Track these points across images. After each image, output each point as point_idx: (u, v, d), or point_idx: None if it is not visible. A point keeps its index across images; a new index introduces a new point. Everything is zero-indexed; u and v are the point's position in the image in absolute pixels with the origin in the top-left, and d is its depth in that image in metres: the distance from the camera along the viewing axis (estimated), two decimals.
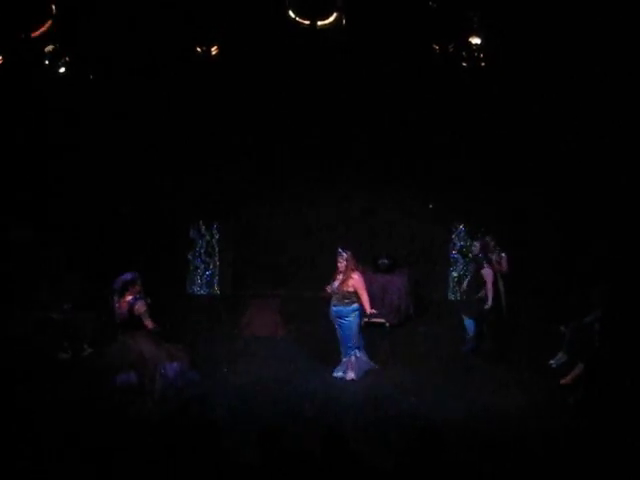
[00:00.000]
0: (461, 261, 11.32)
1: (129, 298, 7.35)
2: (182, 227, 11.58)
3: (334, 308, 8.18)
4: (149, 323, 7.35)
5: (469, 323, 9.09)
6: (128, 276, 7.43)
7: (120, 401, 7.07)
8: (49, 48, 7.87)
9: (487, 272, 8.80)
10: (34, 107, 9.39)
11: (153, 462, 4.23)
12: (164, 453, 4.34)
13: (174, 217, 11.36)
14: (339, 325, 8.20)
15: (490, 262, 8.90)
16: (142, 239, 11.05)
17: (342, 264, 8.06)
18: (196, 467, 4.32)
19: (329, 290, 8.19)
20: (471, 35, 8.05)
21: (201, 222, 11.64)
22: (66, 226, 10.13)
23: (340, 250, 8.10)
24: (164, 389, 7.31)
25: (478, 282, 8.89)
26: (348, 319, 8.10)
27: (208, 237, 11.72)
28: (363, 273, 8.31)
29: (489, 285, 8.74)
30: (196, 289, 11.74)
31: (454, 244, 11.35)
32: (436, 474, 4.50)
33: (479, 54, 8.26)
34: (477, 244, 9.23)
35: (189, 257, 11.70)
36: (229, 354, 8.85)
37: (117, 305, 7.40)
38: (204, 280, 11.73)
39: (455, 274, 11.36)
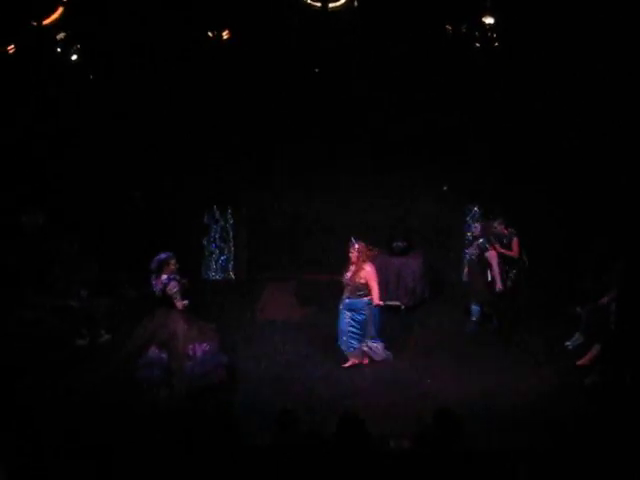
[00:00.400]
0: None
1: (163, 277, 7.48)
2: (196, 213, 11.59)
3: (347, 301, 8.10)
4: (179, 304, 7.46)
5: (475, 308, 9.12)
6: (162, 256, 7.58)
7: (143, 383, 7.16)
8: (61, 36, 7.87)
9: (491, 255, 8.73)
10: (46, 94, 9.39)
11: (168, 447, 4.26)
12: (180, 438, 4.38)
13: (188, 203, 11.38)
14: (353, 318, 8.07)
15: (492, 244, 8.84)
16: (156, 225, 11.08)
17: (354, 255, 8.01)
18: (212, 450, 4.35)
19: (344, 281, 8.15)
20: (484, 15, 7.97)
21: (215, 207, 11.65)
22: (80, 212, 10.17)
23: (352, 240, 8.05)
24: (192, 369, 7.37)
25: (482, 265, 8.83)
26: (362, 312, 8.02)
27: (222, 222, 11.73)
28: (376, 257, 8.25)
29: (495, 267, 8.69)
30: (211, 274, 11.76)
31: (469, 226, 11.29)
32: (452, 456, 4.51)
33: (492, 34, 8.17)
34: (477, 225, 9.19)
35: (204, 243, 11.72)
36: (244, 338, 8.86)
37: (154, 283, 7.54)
38: (219, 265, 11.75)
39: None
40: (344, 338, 8.15)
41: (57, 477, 4.07)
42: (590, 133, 9.61)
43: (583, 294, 8.84)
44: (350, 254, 8.03)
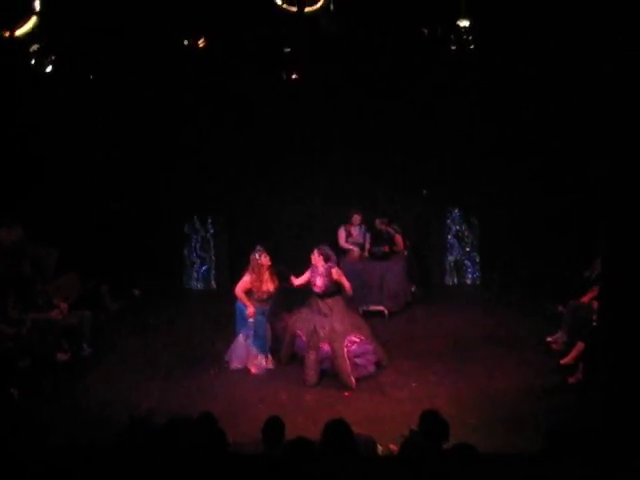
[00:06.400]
0: (457, 245, 11.33)
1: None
2: (176, 223, 11.54)
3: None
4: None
5: None
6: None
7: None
8: (34, 47, 7.77)
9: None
10: (22, 106, 9.30)
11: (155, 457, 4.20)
12: (167, 448, 4.32)
13: (168, 213, 11.32)
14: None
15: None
16: (137, 236, 11.01)
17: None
18: (201, 462, 4.30)
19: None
20: (459, 18, 8.00)
21: (195, 217, 11.61)
22: (59, 225, 10.06)
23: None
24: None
25: None
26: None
27: (202, 232, 11.70)
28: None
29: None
30: (193, 284, 11.72)
31: (450, 228, 11.35)
32: (439, 458, 4.49)
33: (467, 37, 8.21)
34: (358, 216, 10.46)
35: (185, 252, 11.67)
36: (227, 349, 8.78)
37: None
38: (200, 275, 11.71)
39: (451, 258, 11.37)
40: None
41: None
42: (569, 134, 9.69)
43: (565, 292, 8.90)
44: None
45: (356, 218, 10.37)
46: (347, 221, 10.39)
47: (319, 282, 8.02)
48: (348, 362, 7.72)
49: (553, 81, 9.31)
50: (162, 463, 4.15)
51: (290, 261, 10.69)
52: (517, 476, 4.19)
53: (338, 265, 8.36)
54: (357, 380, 7.76)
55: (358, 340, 7.94)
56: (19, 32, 6.33)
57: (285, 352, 8.34)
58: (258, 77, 9.92)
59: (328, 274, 7.99)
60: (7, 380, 7.49)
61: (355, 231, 10.40)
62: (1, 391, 7.35)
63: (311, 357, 7.84)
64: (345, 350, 7.76)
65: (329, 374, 7.85)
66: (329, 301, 8.02)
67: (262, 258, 8.16)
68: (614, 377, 6.64)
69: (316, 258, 8.06)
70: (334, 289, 8.03)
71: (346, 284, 8.01)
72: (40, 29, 6.89)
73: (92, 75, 9.13)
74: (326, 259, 8.05)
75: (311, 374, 7.80)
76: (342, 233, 10.39)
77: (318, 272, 8.04)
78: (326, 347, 7.84)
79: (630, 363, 6.54)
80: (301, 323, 8.16)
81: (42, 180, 10.10)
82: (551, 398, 7.18)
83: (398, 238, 10.40)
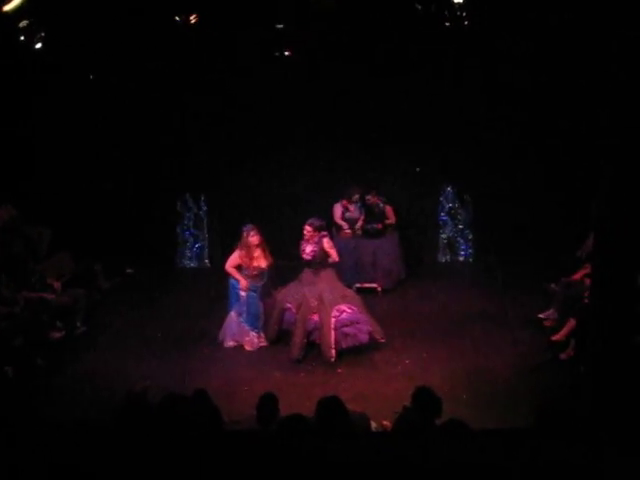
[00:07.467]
0: (450, 223, 11.33)
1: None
2: (169, 201, 11.49)
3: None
4: None
5: None
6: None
7: None
8: (23, 23, 7.69)
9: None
10: (12, 84, 9.20)
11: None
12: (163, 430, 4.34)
13: (160, 191, 11.27)
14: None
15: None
16: (130, 215, 10.96)
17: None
18: (196, 439, 4.33)
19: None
20: None
21: (188, 195, 11.57)
22: (52, 204, 10.02)
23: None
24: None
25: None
26: None
27: (195, 210, 11.67)
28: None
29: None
30: (186, 262, 11.71)
31: (443, 206, 11.35)
32: (431, 434, 4.54)
33: (462, 13, 8.17)
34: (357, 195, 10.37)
35: (178, 230, 11.64)
36: (221, 324, 8.80)
37: None
38: (194, 253, 11.70)
39: (444, 236, 11.38)
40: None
41: None
42: (563, 110, 9.67)
43: (557, 270, 8.95)
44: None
45: (356, 195, 10.33)
46: (345, 197, 10.33)
47: (308, 249, 8.07)
48: (333, 333, 7.76)
49: (547, 57, 9.27)
50: (157, 440, 4.17)
51: (282, 238, 10.80)
52: (508, 452, 4.24)
53: (331, 238, 8.39)
54: (348, 352, 7.82)
55: (349, 310, 7.96)
56: (7, 7, 6.25)
57: (272, 328, 8.30)
58: (251, 55, 9.82)
59: (319, 242, 8.04)
60: (1, 358, 7.51)
61: (352, 207, 10.36)
62: None
63: (298, 331, 7.88)
64: (333, 320, 7.79)
65: (321, 351, 7.87)
66: (317, 271, 8.07)
67: (250, 237, 8.15)
68: (604, 354, 6.70)
69: (309, 231, 8.08)
70: (323, 259, 8.07)
71: (333, 254, 8.06)
72: (29, 5, 6.83)
73: (83, 52, 9.04)
74: (319, 230, 8.10)
75: (295, 348, 7.87)
76: (338, 209, 10.36)
77: (309, 241, 8.10)
78: (315, 317, 7.90)
79: (620, 340, 6.59)
80: (290, 296, 8.18)
81: (34, 160, 10.05)
82: (542, 374, 7.25)
83: (389, 210, 10.35)
